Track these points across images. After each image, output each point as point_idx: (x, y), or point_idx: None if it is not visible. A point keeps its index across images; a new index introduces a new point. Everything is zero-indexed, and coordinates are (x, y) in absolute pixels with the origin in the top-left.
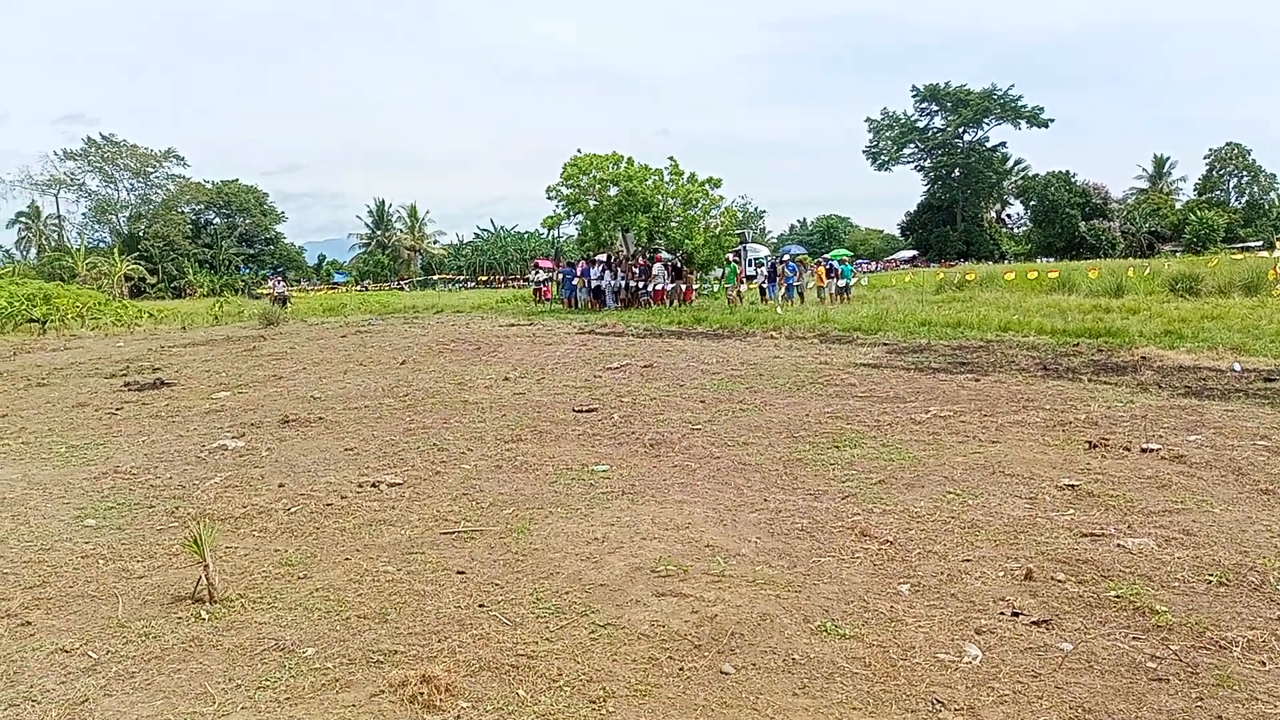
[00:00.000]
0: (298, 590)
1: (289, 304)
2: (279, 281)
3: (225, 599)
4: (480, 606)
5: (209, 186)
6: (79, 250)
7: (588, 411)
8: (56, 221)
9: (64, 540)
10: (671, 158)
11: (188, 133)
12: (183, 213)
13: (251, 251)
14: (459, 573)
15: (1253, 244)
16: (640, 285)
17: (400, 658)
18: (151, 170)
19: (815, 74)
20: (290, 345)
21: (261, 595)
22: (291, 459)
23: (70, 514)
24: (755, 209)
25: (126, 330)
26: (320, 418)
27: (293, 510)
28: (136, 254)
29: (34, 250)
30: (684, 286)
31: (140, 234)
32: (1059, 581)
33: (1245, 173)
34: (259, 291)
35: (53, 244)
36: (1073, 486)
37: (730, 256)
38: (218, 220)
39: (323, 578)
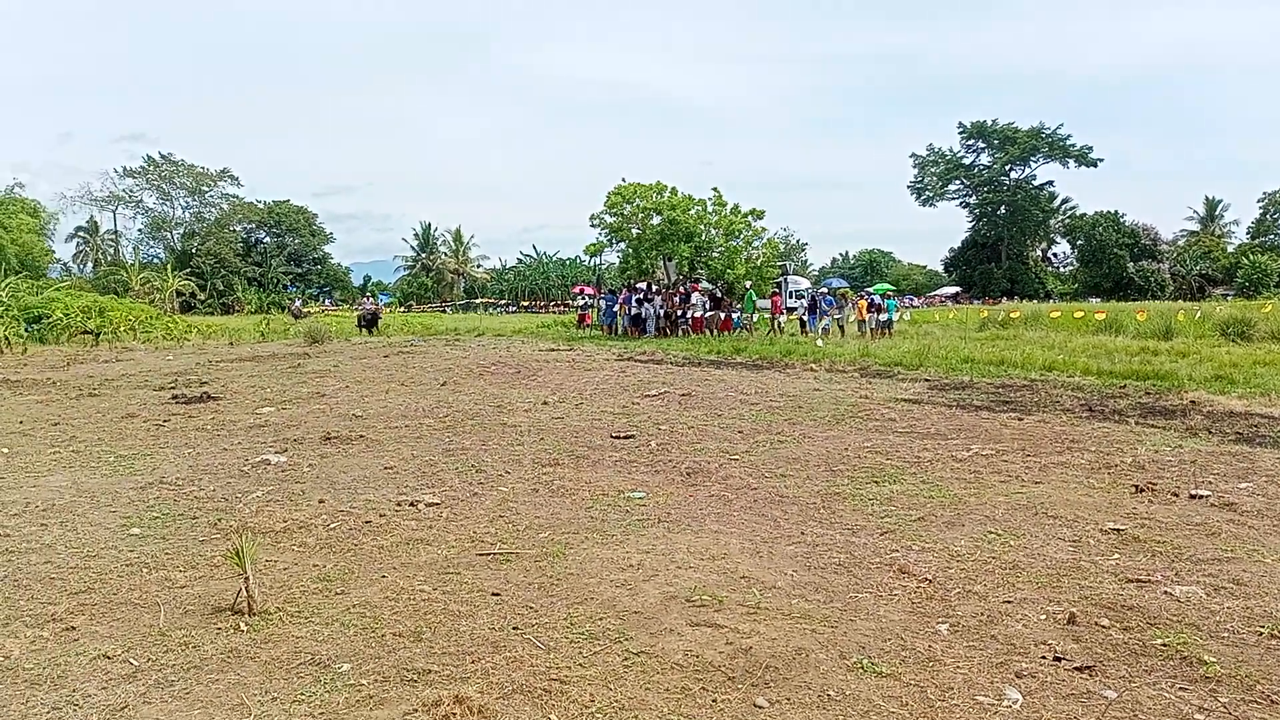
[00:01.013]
0: (335, 606)
1: (377, 324)
2: (367, 299)
3: (264, 611)
4: (514, 629)
5: (261, 206)
6: (133, 265)
7: (625, 438)
8: (114, 237)
9: (110, 548)
10: (715, 188)
11: (243, 154)
12: (234, 231)
13: (299, 270)
14: (494, 594)
15: None
16: (680, 314)
17: (434, 677)
18: (206, 189)
19: (860, 108)
20: (333, 364)
21: (300, 609)
22: (332, 476)
23: (116, 523)
24: (798, 241)
25: (176, 344)
26: (361, 435)
27: (332, 526)
28: (188, 270)
29: (90, 264)
30: (722, 316)
31: (193, 251)
32: (1103, 627)
33: None
34: (299, 309)
35: (109, 258)
36: (1118, 530)
37: (747, 284)
38: (268, 239)
39: (360, 594)
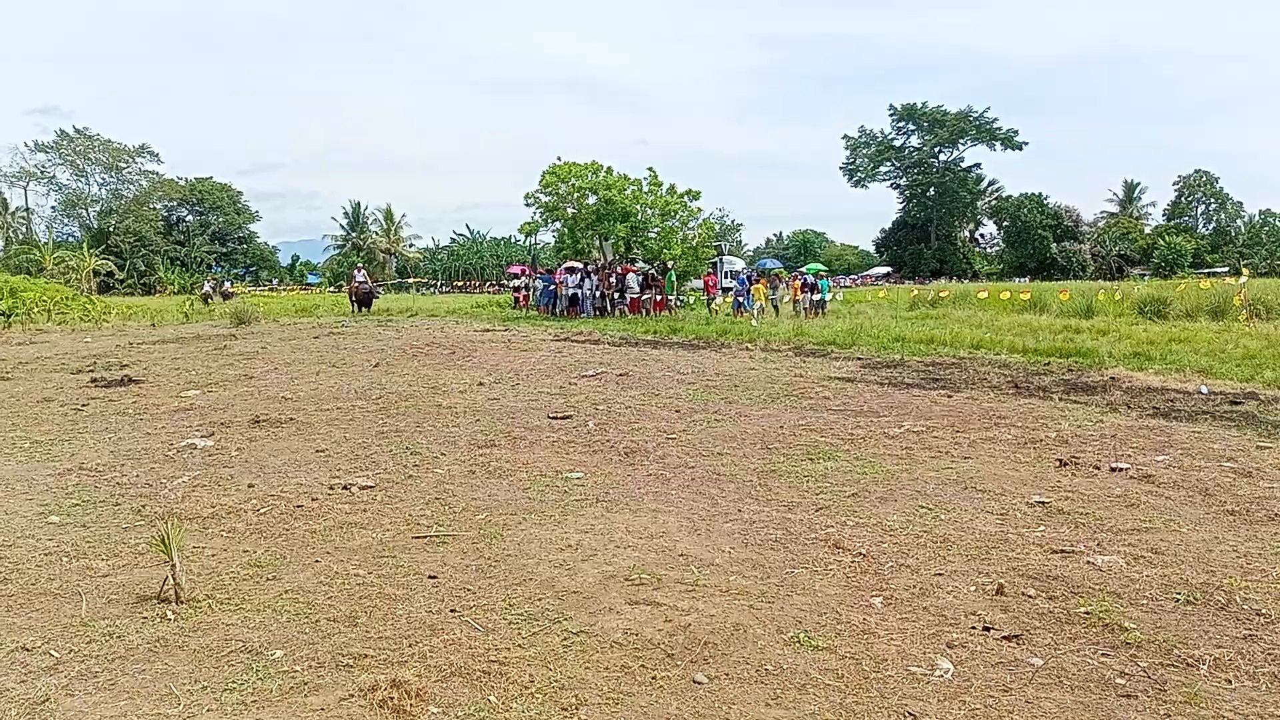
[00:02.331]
0: (266, 592)
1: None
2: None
3: (192, 599)
4: (452, 612)
5: (182, 183)
6: (47, 244)
7: (563, 418)
8: (25, 214)
9: (26, 537)
10: (651, 168)
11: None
12: (154, 209)
13: (224, 250)
14: (431, 577)
15: (1219, 270)
16: (616, 294)
17: (370, 661)
18: (124, 165)
19: (795, 91)
20: (261, 345)
21: (229, 596)
22: (262, 459)
23: (33, 510)
24: (733, 222)
25: (94, 326)
26: (291, 418)
27: (262, 511)
28: (105, 249)
29: (0, 243)
30: (658, 296)
31: (110, 229)
32: (1029, 597)
33: (1213, 200)
34: (213, 291)
35: (20, 237)
36: (1043, 503)
37: (668, 264)
38: (190, 218)
39: (292, 580)
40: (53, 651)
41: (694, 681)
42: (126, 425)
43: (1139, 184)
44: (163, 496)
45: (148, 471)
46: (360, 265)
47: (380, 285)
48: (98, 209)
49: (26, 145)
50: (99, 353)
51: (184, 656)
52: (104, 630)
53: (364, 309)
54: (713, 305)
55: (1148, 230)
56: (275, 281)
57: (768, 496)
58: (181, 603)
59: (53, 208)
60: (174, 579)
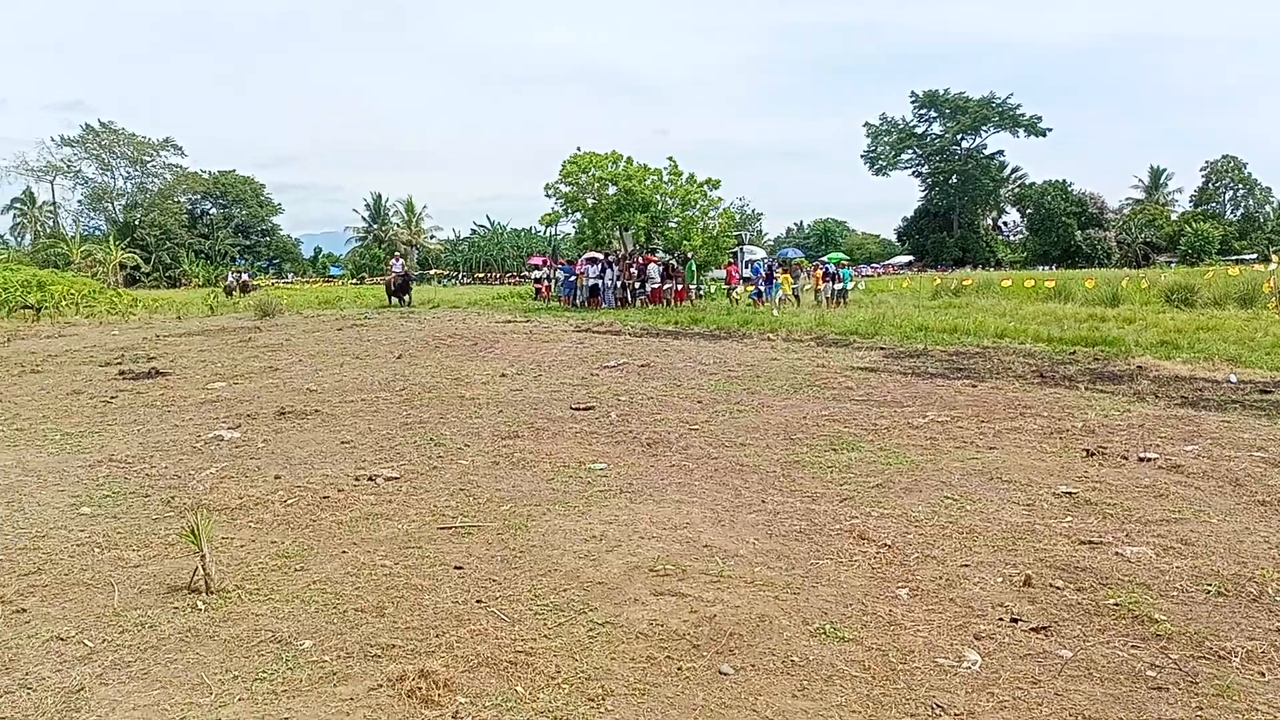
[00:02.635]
0: (294, 582)
1: (409, 291)
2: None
3: (222, 590)
4: (478, 602)
5: (206, 176)
6: (74, 238)
7: (585, 409)
8: (52, 209)
9: (59, 528)
10: (670, 158)
11: (186, 123)
12: (179, 202)
13: (248, 242)
14: (456, 568)
15: (1247, 257)
16: (637, 285)
17: (398, 652)
18: (149, 159)
19: (816, 79)
20: (286, 337)
21: (258, 587)
22: (288, 451)
23: (65, 502)
24: (753, 211)
25: (121, 319)
26: (316, 410)
27: (289, 502)
28: (131, 242)
29: (28, 237)
30: (678, 286)
31: (136, 222)
32: (1057, 588)
33: (1241, 186)
34: (235, 284)
35: (48, 231)
36: (1070, 494)
37: (688, 255)
38: (214, 210)
39: (319, 570)
40: (86, 641)
41: (720, 673)
42: (155, 417)
43: (1165, 170)
44: (191, 488)
45: (176, 463)
46: (398, 255)
47: (417, 273)
48: (123, 203)
49: (53, 140)
50: (126, 345)
51: (215, 646)
52: (136, 620)
53: (402, 299)
54: (733, 295)
55: (1174, 217)
56: (291, 275)
57: (791, 487)
58: (211, 593)
59: (79, 201)
60: (204, 569)
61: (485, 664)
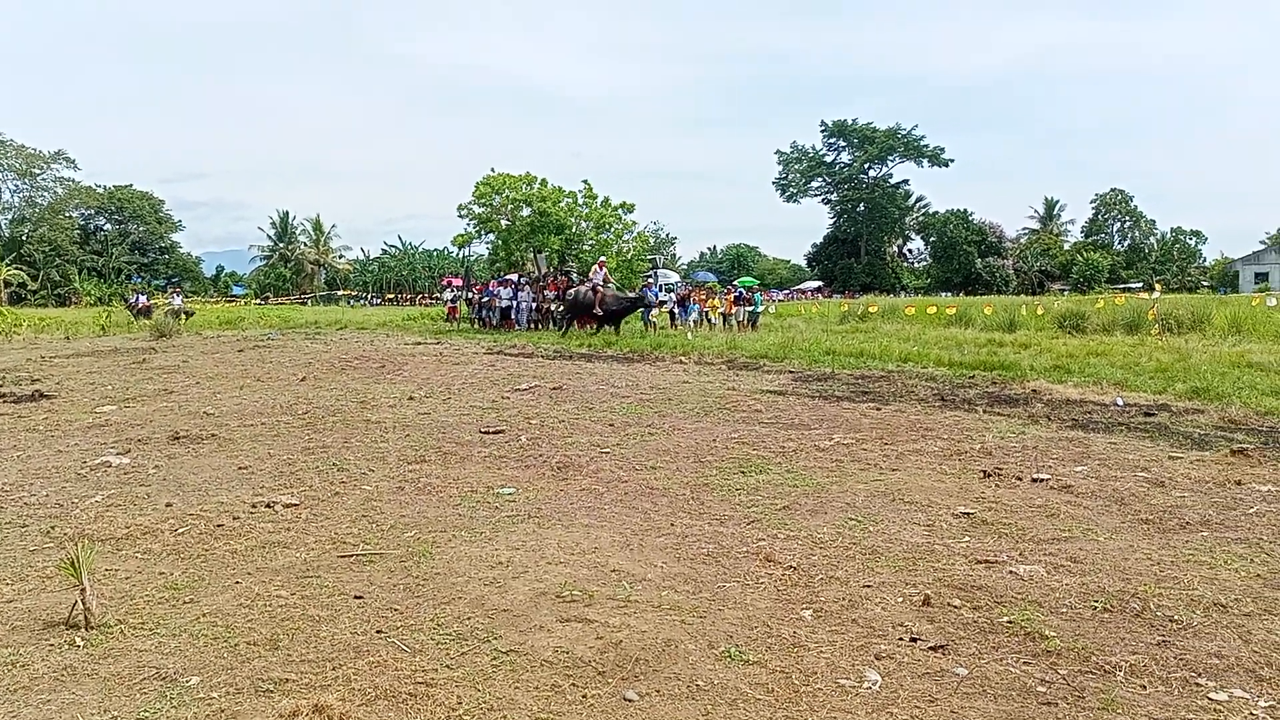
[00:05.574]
0: (183, 615)
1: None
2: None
3: (103, 625)
4: (378, 633)
5: (100, 191)
6: None
7: (494, 433)
8: None
9: None
10: (586, 181)
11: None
12: (70, 217)
13: (145, 260)
14: (356, 597)
15: (1134, 285)
16: (551, 307)
17: (292, 686)
18: (38, 171)
19: (730, 106)
20: (183, 359)
21: (143, 621)
22: (180, 477)
23: None
24: (667, 235)
25: (3, 339)
26: (213, 434)
27: (180, 531)
28: (17, 258)
29: None
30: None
31: (23, 238)
32: (955, 607)
33: (1128, 217)
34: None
35: None
36: (968, 514)
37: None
38: (109, 227)
39: (211, 602)
40: None
41: (625, 699)
42: (37, 442)
43: (1059, 201)
44: (74, 516)
45: (58, 490)
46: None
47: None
48: (9, 217)
49: None
50: (8, 367)
51: (93, 685)
52: (6, 659)
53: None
54: (649, 318)
55: (1067, 246)
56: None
57: (700, 510)
58: (92, 628)
59: None
60: (84, 603)
61: (384, 696)
